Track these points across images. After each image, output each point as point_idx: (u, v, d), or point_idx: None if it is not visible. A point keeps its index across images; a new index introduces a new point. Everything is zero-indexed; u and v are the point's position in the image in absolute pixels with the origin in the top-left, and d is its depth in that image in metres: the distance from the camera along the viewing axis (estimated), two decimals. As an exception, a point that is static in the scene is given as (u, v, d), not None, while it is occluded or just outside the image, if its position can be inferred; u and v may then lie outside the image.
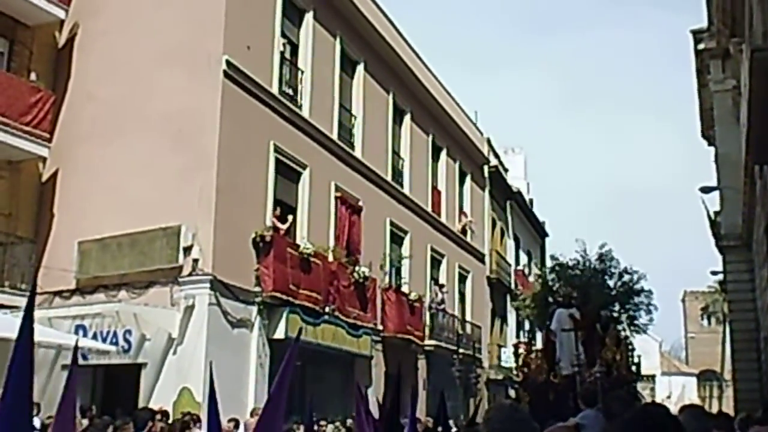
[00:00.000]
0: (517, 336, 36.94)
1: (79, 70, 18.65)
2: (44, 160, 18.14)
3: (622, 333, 21.98)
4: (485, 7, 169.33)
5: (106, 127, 17.75)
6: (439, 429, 5.73)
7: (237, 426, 14.28)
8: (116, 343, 16.01)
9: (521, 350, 20.13)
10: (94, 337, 16.17)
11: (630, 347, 18.88)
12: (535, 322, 26.87)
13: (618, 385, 16.07)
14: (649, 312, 27.93)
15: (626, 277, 27.69)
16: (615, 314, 25.92)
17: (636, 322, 27.83)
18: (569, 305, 18.08)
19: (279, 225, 17.92)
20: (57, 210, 18.06)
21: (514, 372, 20.55)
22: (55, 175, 18.23)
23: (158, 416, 12.68)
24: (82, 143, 17.96)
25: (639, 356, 19.55)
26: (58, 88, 18.54)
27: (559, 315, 17.76)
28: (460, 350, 26.45)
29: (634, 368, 18.71)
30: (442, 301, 26.94)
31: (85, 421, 13.95)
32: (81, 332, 16.30)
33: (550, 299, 25.22)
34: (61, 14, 18.54)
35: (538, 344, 23.42)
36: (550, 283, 28.55)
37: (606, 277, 27.68)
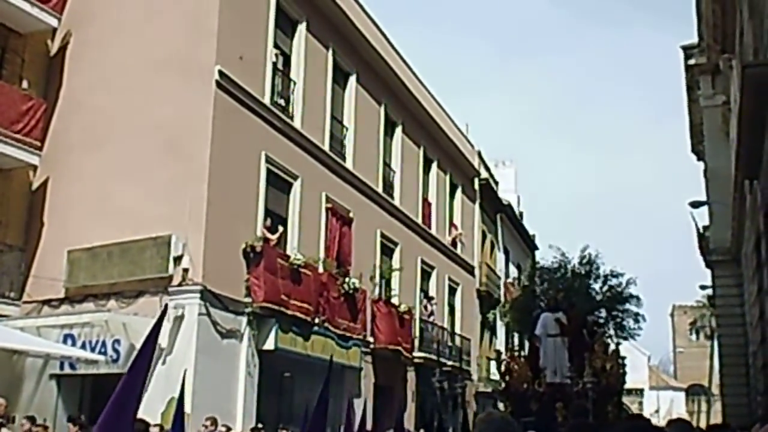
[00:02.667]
0: (506, 349, 36.77)
1: (71, 79, 18.63)
2: (35, 168, 18.08)
3: (611, 342, 21.16)
4: (475, 28, 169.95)
5: (98, 136, 17.71)
6: None
7: (214, 423, 14.20)
8: (105, 353, 15.91)
9: (503, 357, 19.27)
10: (83, 346, 16.09)
11: (622, 357, 18.21)
12: (521, 330, 25.93)
13: (608, 395, 15.58)
14: (636, 321, 27.06)
15: (613, 281, 26.76)
16: (601, 320, 24.97)
17: (623, 328, 26.89)
18: (555, 309, 17.45)
19: (269, 236, 17.89)
20: (47, 218, 17.99)
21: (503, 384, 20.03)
22: (45, 183, 18.18)
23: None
24: (73, 152, 17.92)
25: (625, 365, 18.91)
26: (50, 96, 18.50)
27: (545, 319, 17.03)
28: (450, 362, 26.47)
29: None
30: (432, 314, 26.94)
31: (75, 429, 13.88)
32: (70, 341, 16.26)
33: (535, 303, 24.59)
34: (54, 23, 18.50)
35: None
36: (533, 287, 27.73)
37: (590, 281, 26.73)
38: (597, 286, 26.68)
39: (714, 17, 19.51)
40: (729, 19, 17.51)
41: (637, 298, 26.86)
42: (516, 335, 37.03)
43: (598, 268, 26.82)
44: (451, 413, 25.23)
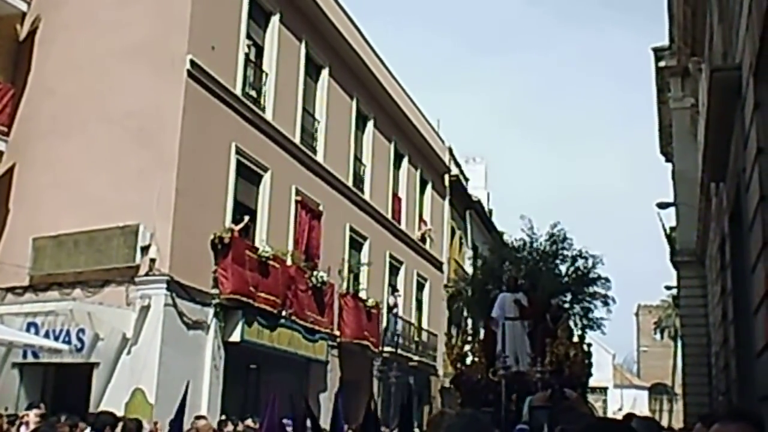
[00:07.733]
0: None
1: (40, 64, 18.41)
2: (1, 154, 17.87)
3: (577, 330, 19.62)
4: (448, 24, 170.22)
5: (66, 123, 17.54)
6: None
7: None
8: (69, 342, 15.77)
9: (454, 340, 17.64)
10: (47, 335, 15.93)
11: (588, 344, 16.34)
12: (476, 312, 23.47)
13: (571, 386, 14.55)
14: (606, 304, 24.59)
15: (580, 262, 24.46)
16: (566, 305, 22.73)
17: (590, 315, 24.50)
18: (515, 290, 16.11)
19: (232, 226, 17.72)
20: (12, 205, 17.78)
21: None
22: (11, 169, 17.95)
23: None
24: (40, 138, 17.72)
25: (590, 353, 16.57)
26: (18, 81, 18.28)
27: (503, 300, 15.68)
28: (416, 357, 26.42)
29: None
30: (395, 305, 26.84)
31: (38, 419, 13.75)
32: (33, 330, 16.08)
33: (490, 286, 22.47)
34: (23, 7, 18.30)
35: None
36: (492, 266, 25.40)
37: (557, 261, 24.51)
38: (564, 268, 24.86)
39: (685, 20, 19.65)
40: (699, 23, 17.65)
41: (606, 279, 25.02)
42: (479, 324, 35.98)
43: (566, 249, 24.86)
44: (417, 407, 25.27)
